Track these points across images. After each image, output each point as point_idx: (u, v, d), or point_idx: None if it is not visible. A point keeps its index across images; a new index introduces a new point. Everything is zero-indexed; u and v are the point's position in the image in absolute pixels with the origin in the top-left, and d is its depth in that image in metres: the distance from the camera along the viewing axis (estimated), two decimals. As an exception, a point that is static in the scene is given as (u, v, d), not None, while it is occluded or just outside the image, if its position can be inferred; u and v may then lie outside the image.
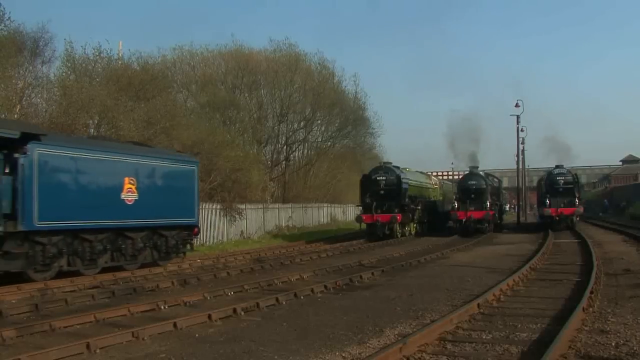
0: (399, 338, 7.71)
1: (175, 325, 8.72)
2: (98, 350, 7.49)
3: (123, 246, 15.96)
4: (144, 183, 16.37)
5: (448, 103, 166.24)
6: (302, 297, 11.44)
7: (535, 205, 49.74)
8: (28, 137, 13.25)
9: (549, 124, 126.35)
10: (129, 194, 15.92)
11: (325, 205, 45.07)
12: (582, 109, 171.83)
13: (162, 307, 10.55)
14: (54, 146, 14.07)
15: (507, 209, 67.77)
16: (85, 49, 26.54)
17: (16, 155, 13.04)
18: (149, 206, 16.41)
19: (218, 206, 27.90)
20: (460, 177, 40.61)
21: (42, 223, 13.46)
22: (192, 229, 18.62)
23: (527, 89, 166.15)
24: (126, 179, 15.85)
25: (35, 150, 13.41)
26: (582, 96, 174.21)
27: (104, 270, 15.52)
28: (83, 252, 14.86)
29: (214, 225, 27.57)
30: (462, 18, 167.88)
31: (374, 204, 28.99)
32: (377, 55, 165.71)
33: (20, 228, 13.00)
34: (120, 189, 15.66)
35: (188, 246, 18.75)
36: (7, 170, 12.99)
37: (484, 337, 7.85)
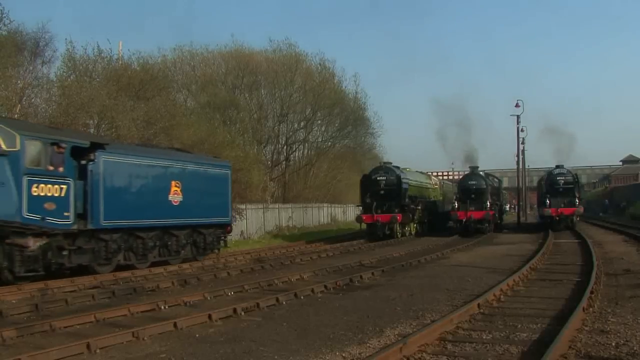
0: (399, 338, 7.71)
1: (175, 325, 8.72)
2: (98, 350, 7.49)
3: (169, 243, 17.63)
4: (187, 186, 18.03)
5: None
6: (302, 297, 11.44)
7: (536, 205, 49.77)
8: (95, 146, 15.09)
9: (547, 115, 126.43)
10: (175, 195, 17.65)
11: (325, 205, 45.10)
12: (582, 108, 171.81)
13: (163, 307, 10.55)
14: (115, 154, 15.77)
15: (507, 209, 67.80)
16: (85, 49, 26.60)
17: (83, 162, 14.75)
18: (191, 207, 18.11)
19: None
20: (461, 177, 40.64)
21: (106, 222, 15.15)
22: (225, 228, 20.38)
23: (527, 89, 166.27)
24: (173, 183, 17.60)
25: (101, 158, 15.10)
26: (583, 95, 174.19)
27: (153, 264, 17.08)
28: (137, 248, 16.54)
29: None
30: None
31: (374, 204, 29.00)
32: (377, 55, 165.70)
33: (90, 226, 14.72)
34: (167, 191, 17.42)
35: (222, 243, 20.35)
36: (79, 176, 14.63)
37: (484, 337, 7.85)
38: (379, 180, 29.66)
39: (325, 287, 12.48)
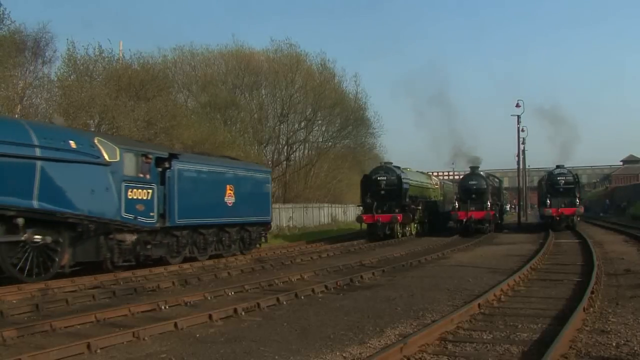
0: (400, 338, 7.71)
1: (176, 325, 8.71)
2: (99, 350, 7.48)
3: (223, 238, 20.11)
4: (238, 189, 20.63)
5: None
6: (302, 297, 11.43)
7: (536, 205, 49.75)
8: (172, 156, 17.64)
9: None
10: (229, 198, 20.15)
11: (326, 205, 45.11)
12: (582, 108, 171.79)
13: (163, 307, 10.54)
14: (185, 162, 18.32)
15: (508, 209, 67.78)
16: (86, 49, 26.61)
17: (162, 169, 17.18)
18: (240, 207, 20.66)
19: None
20: (461, 177, 40.64)
21: (180, 220, 17.63)
22: (266, 225, 23.11)
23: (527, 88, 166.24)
24: (227, 186, 20.16)
25: (176, 166, 17.62)
26: (582, 95, 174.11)
27: (210, 257, 19.35)
28: (199, 243, 19.03)
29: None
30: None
31: (375, 204, 29.01)
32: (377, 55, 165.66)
33: (167, 224, 17.14)
34: (224, 194, 19.95)
35: (263, 239, 22.93)
36: (160, 182, 17.02)
37: (484, 337, 7.85)
38: (379, 180, 29.67)
39: (326, 287, 12.47)
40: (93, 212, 14.70)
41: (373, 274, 14.89)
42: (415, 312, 9.83)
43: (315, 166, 46.57)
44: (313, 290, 11.98)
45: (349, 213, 47.57)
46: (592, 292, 10.41)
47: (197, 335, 8.38)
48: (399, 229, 29.36)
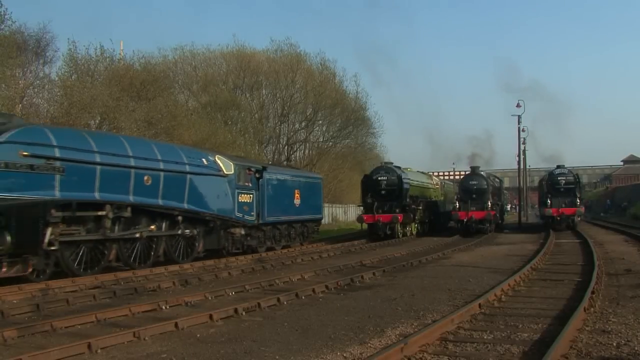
0: (400, 338, 7.71)
1: (176, 325, 8.71)
2: (99, 350, 7.49)
3: (291, 232, 24.84)
4: (302, 193, 25.25)
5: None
6: (303, 297, 11.43)
7: (537, 205, 49.72)
8: (263, 168, 22.42)
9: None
10: (297, 200, 24.73)
11: (326, 205, 45.06)
12: (583, 107, 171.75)
13: (164, 307, 10.54)
14: (271, 173, 22.91)
15: (509, 209, 67.77)
16: (87, 49, 26.62)
17: (257, 177, 21.68)
18: (303, 207, 25.37)
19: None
20: (462, 177, 40.62)
21: (268, 218, 22.08)
22: (319, 221, 28.28)
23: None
24: (295, 191, 24.76)
25: (265, 176, 22.15)
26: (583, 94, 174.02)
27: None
28: (276, 236, 23.63)
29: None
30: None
31: (375, 204, 29.01)
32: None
33: (260, 221, 21.60)
34: (293, 197, 24.59)
35: (316, 232, 28.16)
36: (256, 188, 21.54)
37: (485, 337, 7.84)
38: (380, 180, 29.67)
39: (327, 287, 12.47)
40: (218, 212, 19.22)
41: (374, 274, 14.88)
42: (416, 312, 9.83)
43: (315, 166, 46.58)
44: (314, 290, 11.97)
45: (349, 213, 47.57)
46: (593, 292, 10.41)
47: (198, 335, 8.38)
48: (399, 229, 29.36)
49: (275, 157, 43.89)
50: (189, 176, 17.81)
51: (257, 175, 21.58)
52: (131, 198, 15.77)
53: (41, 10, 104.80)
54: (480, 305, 9.61)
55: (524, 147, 46.92)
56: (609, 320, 8.71)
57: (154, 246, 16.90)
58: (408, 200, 30.06)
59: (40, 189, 13.38)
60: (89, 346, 7.45)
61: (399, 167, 31.40)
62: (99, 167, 14.80)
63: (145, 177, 16.22)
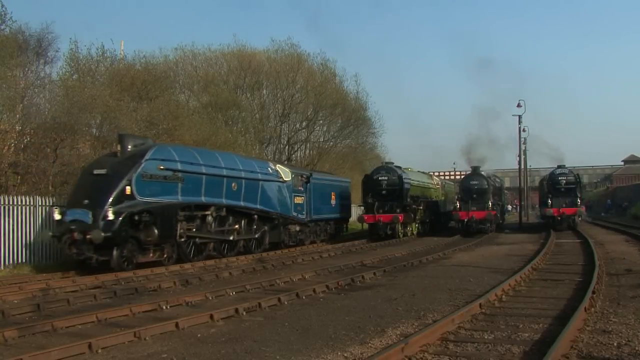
0: (401, 338, 7.71)
1: (177, 325, 8.71)
2: (100, 350, 7.49)
3: (328, 228, 28.76)
4: (337, 195, 29.75)
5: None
6: (304, 297, 11.44)
7: (537, 205, 49.69)
8: (310, 175, 26.84)
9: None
10: (333, 201, 29.16)
11: (327, 205, 45.06)
12: (584, 107, 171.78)
13: (164, 307, 10.55)
14: (315, 178, 27.18)
15: (510, 209, 67.74)
16: (89, 49, 26.60)
17: (305, 182, 26.05)
18: (337, 207, 29.84)
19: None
20: (462, 177, 40.60)
21: (313, 217, 26.40)
22: (347, 220, 32.18)
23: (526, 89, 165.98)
24: (332, 194, 29.14)
25: (312, 181, 26.56)
26: (583, 94, 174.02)
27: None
28: (317, 231, 27.47)
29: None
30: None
31: (376, 204, 29.03)
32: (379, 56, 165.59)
33: (307, 219, 25.70)
34: (330, 198, 28.96)
35: (345, 229, 32.12)
36: (305, 191, 25.79)
37: (485, 337, 7.84)
38: (380, 180, 29.68)
39: (327, 287, 12.48)
40: (281, 211, 23.19)
41: (374, 274, 14.89)
42: (417, 312, 9.83)
43: (316, 166, 46.49)
44: (314, 290, 11.98)
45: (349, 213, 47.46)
46: (594, 292, 10.41)
47: (199, 335, 8.39)
48: (400, 228, 29.36)
49: (276, 157, 43.87)
50: (260, 182, 21.89)
51: (305, 181, 25.89)
52: (224, 201, 19.72)
53: (42, 10, 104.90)
54: (480, 305, 9.61)
55: (525, 147, 46.91)
56: (610, 320, 8.71)
57: (236, 240, 20.59)
58: (409, 200, 30.07)
59: (171, 194, 17.29)
60: (90, 346, 7.46)
61: (399, 167, 31.39)
62: (204, 177, 18.68)
63: (233, 184, 20.21)
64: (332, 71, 47.26)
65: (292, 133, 44.86)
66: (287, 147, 44.68)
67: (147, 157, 16.58)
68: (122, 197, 15.71)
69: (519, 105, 41.74)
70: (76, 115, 22.34)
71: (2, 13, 22.47)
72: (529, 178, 57.83)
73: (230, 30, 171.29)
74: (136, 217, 15.80)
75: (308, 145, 46.84)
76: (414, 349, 6.91)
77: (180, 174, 17.62)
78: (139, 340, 8.04)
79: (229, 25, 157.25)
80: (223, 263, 18.54)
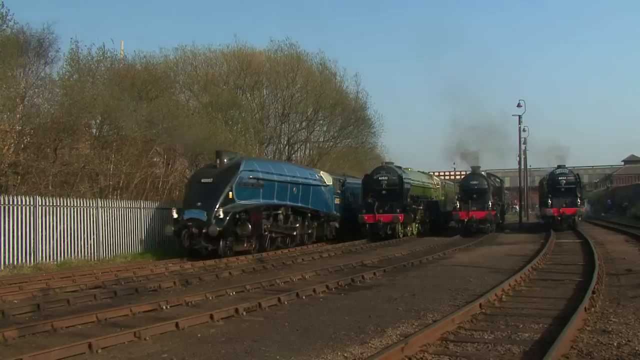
0: (401, 338, 7.71)
1: (177, 325, 8.71)
2: (100, 350, 7.49)
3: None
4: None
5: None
6: (304, 297, 11.44)
7: (537, 205, 49.65)
8: (345, 179, 31.27)
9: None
10: (360, 200, 31.29)
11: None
12: (584, 107, 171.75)
13: (164, 307, 10.55)
14: (348, 183, 31.55)
15: (510, 209, 67.69)
16: (89, 49, 26.56)
17: (341, 185, 30.18)
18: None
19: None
20: (462, 177, 40.59)
21: (345, 214, 29.40)
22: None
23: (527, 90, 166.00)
24: (359, 195, 31.71)
25: (346, 184, 31.05)
26: (584, 94, 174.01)
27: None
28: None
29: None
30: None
31: (376, 204, 29.01)
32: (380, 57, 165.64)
33: (342, 216, 29.15)
34: (358, 198, 31.75)
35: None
36: (341, 193, 29.92)
37: (486, 337, 7.84)
38: (380, 180, 29.68)
39: (327, 287, 12.48)
40: (326, 210, 27.39)
41: (374, 273, 14.89)
42: (417, 312, 9.84)
43: (316, 166, 46.51)
44: (314, 290, 11.98)
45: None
46: (594, 292, 10.41)
47: (199, 335, 8.39)
48: (400, 229, 29.35)
49: (276, 157, 43.86)
50: (311, 187, 25.99)
51: (342, 184, 29.89)
52: (289, 202, 23.95)
53: (43, 10, 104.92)
54: (481, 305, 9.61)
55: (525, 147, 46.91)
56: (610, 320, 8.71)
57: (297, 234, 24.69)
58: (409, 200, 30.08)
59: (256, 198, 21.76)
60: (90, 346, 7.46)
61: (399, 167, 31.40)
62: (276, 183, 23.07)
63: (294, 189, 24.47)
64: (332, 71, 47.27)
65: (292, 133, 44.83)
66: (287, 147, 44.64)
67: (241, 168, 21.14)
68: (227, 200, 20.03)
69: (519, 105, 41.78)
70: (76, 115, 22.33)
71: (3, 13, 22.43)
72: (529, 178, 57.80)
73: (230, 30, 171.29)
74: (237, 216, 20.20)
75: (308, 145, 46.82)
76: (414, 349, 6.91)
77: (261, 182, 22.11)
78: (139, 340, 8.04)
79: (229, 25, 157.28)
80: (223, 263, 18.55)
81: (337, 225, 28.29)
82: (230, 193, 20.26)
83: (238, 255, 20.04)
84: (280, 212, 23.17)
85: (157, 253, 21.50)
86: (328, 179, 27.95)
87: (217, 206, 19.65)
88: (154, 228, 23.04)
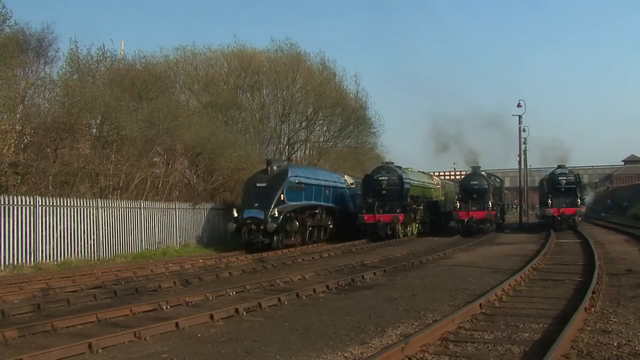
0: (401, 338, 7.71)
1: (177, 325, 8.72)
2: (100, 351, 7.49)
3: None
4: None
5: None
6: (304, 297, 11.44)
7: (537, 205, 49.64)
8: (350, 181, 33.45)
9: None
10: None
11: (327, 205, 45.07)
12: (584, 107, 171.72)
13: (164, 307, 10.55)
14: (353, 183, 32.69)
15: (511, 209, 67.68)
16: (89, 49, 26.56)
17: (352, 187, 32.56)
18: None
19: (219, 206, 27.92)
20: (462, 177, 40.59)
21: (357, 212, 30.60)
22: None
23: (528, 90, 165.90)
24: None
25: (352, 186, 32.29)
26: (584, 94, 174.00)
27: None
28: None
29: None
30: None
31: (376, 204, 29.00)
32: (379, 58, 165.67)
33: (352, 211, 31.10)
34: None
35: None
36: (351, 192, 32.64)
37: (486, 337, 7.84)
38: (380, 180, 29.66)
39: (327, 287, 12.48)
40: (345, 208, 30.47)
41: (374, 273, 14.88)
42: (417, 312, 9.84)
43: (316, 166, 46.57)
44: (314, 290, 11.98)
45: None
46: (594, 292, 10.40)
47: (199, 335, 8.39)
48: (400, 228, 29.35)
49: (276, 157, 43.84)
50: (339, 189, 30.12)
51: (352, 186, 32.02)
52: (323, 203, 27.77)
53: (43, 10, 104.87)
54: (481, 305, 9.61)
55: (525, 147, 46.87)
56: (610, 320, 8.71)
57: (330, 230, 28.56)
58: (409, 200, 30.07)
59: (300, 199, 25.49)
60: (90, 346, 7.46)
61: (399, 167, 31.38)
62: (314, 187, 26.83)
63: (326, 191, 28.38)
64: (332, 71, 47.31)
65: (292, 133, 44.85)
66: (287, 147, 44.66)
67: (289, 174, 24.85)
68: (279, 201, 23.67)
69: (519, 105, 41.74)
70: (76, 115, 22.31)
71: (3, 13, 22.41)
72: (529, 178, 57.79)
73: (230, 30, 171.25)
74: (287, 215, 23.61)
75: (308, 145, 46.83)
76: (414, 349, 6.91)
77: (303, 185, 25.88)
78: (139, 340, 8.04)
79: (229, 25, 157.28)
80: (223, 263, 18.55)
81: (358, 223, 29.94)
82: (282, 195, 23.91)
83: (288, 247, 23.80)
84: (317, 211, 26.96)
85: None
86: (350, 181, 31.94)
87: (272, 206, 23.29)
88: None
